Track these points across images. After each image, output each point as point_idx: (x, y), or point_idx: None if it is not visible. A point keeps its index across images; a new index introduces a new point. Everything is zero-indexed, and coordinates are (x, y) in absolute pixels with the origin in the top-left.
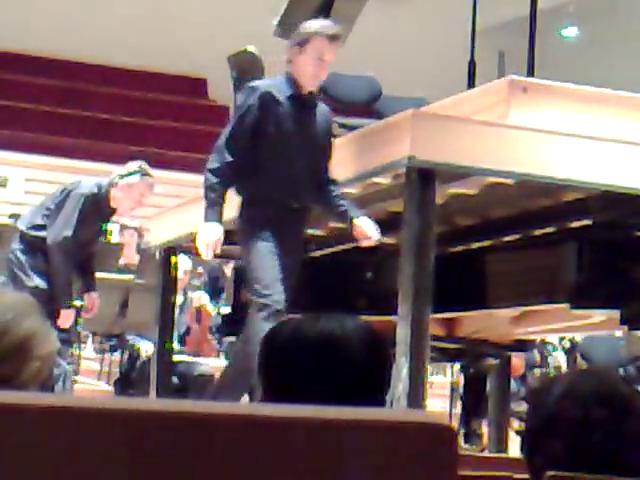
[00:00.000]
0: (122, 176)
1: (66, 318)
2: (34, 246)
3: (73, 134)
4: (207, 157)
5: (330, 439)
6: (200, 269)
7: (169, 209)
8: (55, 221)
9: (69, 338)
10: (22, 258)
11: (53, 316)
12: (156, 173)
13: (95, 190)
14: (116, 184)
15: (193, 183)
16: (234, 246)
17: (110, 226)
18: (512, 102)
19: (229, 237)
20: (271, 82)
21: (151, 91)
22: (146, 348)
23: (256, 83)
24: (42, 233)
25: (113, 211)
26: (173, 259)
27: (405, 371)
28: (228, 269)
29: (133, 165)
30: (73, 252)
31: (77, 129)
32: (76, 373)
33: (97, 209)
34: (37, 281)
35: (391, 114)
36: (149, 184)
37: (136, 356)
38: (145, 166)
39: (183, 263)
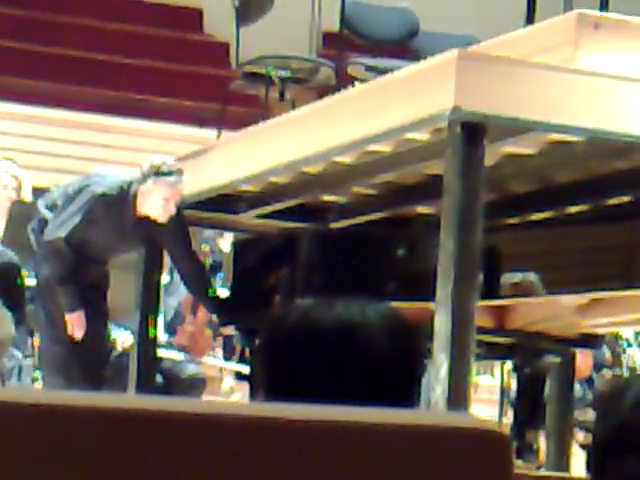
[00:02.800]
0: (140, 181)
1: (73, 324)
2: None
3: (33, 74)
4: (202, 105)
5: (353, 447)
6: (205, 246)
7: None
8: (58, 215)
9: (27, 325)
10: (34, 245)
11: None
12: (139, 124)
13: (114, 191)
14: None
15: (184, 137)
16: (230, 215)
17: None
18: (581, 41)
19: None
20: None
21: (133, 23)
22: (123, 339)
23: None
24: None
25: (143, 219)
26: None
27: (444, 370)
28: (224, 242)
29: (147, 163)
30: (67, 258)
31: (39, 69)
32: (37, 367)
33: (112, 214)
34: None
35: (431, 55)
36: (169, 184)
37: (110, 349)
38: (157, 162)
39: None
